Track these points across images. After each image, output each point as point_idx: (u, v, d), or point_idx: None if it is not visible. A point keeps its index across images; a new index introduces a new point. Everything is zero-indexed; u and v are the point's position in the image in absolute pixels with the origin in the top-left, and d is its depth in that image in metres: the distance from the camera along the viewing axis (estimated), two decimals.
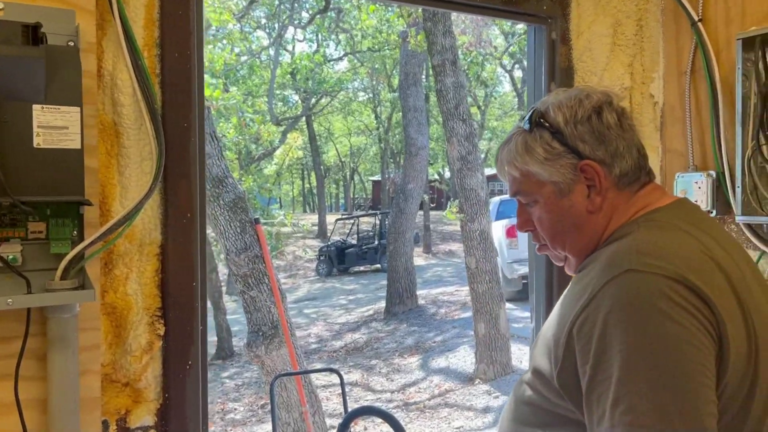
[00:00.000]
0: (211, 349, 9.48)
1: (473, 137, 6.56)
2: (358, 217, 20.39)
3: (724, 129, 1.53)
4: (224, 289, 12.16)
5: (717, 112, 1.55)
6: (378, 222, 18.34)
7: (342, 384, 3.18)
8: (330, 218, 23.60)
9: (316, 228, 23.82)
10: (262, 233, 4.25)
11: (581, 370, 0.82)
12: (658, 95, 1.75)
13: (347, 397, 3.26)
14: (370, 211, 23.59)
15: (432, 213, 22.19)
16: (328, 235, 21.06)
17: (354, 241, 18.27)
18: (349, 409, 2.81)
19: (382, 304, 11.78)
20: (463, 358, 8.12)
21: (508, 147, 1.05)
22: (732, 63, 1.48)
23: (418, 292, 12.13)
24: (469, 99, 15.63)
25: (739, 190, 1.43)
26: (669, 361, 0.76)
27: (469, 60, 16.97)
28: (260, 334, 4.19)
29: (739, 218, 1.43)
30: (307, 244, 21.51)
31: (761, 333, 0.83)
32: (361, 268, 17.90)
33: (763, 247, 1.41)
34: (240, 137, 10.56)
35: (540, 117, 0.99)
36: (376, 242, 17.47)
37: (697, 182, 1.57)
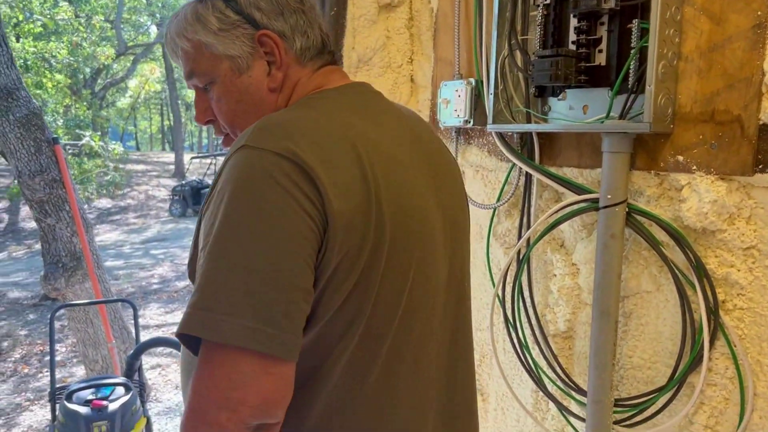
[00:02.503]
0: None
1: None
2: (215, 155, 19.55)
3: (486, 35, 1.46)
4: None
5: (481, 18, 1.47)
6: None
7: (135, 315, 2.96)
8: (188, 157, 22.42)
9: (172, 167, 22.56)
10: (61, 155, 3.79)
11: None
12: (434, 1, 1.66)
13: (139, 330, 3.05)
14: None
15: None
16: (185, 174, 20.08)
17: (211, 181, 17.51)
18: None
19: None
20: None
21: (177, 19, 0.93)
22: None
23: None
24: None
25: (491, 98, 1.37)
26: (257, 235, 0.74)
27: None
28: (60, 266, 3.80)
29: (490, 127, 1.37)
30: (162, 183, 20.36)
31: (396, 220, 0.83)
32: None
33: (513, 159, 1.38)
34: (72, 59, 9.50)
35: None
36: None
37: (457, 90, 1.50)
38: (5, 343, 6.92)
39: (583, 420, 1.22)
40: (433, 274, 0.90)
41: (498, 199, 1.46)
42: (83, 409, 2.26)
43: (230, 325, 0.72)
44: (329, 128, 0.83)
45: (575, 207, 1.20)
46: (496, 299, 1.43)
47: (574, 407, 1.26)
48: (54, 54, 9.38)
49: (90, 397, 2.34)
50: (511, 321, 1.39)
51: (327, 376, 0.83)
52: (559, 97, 1.24)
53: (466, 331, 1.00)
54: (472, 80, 1.47)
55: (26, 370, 6.16)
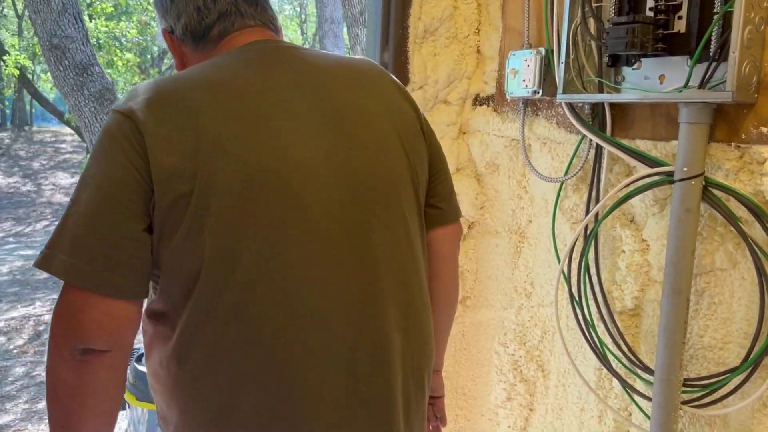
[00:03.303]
0: None
1: None
2: None
3: (557, 3, 1.42)
4: None
5: None
6: None
7: None
8: None
9: None
10: None
11: None
12: None
13: None
14: None
15: None
16: None
17: None
18: None
19: None
20: None
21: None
22: None
23: None
24: None
25: (562, 67, 1.33)
26: (91, 185, 0.87)
27: None
28: None
29: (560, 97, 1.34)
30: None
31: (235, 170, 0.88)
32: None
33: (583, 130, 1.34)
34: (141, 38, 9.81)
35: None
36: None
37: (526, 60, 1.47)
38: None
39: (648, 399, 1.19)
40: (299, 225, 0.92)
41: (566, 173, 1.43)
42: None
43: (59, 261, 0.85)
44: (175, 88, 0.92)
45: (648, 180, 1.16)
46: (561, 275, 1.41)
47: (639, 385, 1.24)
48: (124, 33, 9.70)
49: None
50: (576, 298, 1.36)
51: (179, 316, 0.91)
52: (634, 66, 1.19)
53: (387, 295, 0.99)
54: (542, 49, 1.43)
55: None
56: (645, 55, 1.12)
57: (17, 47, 9.07)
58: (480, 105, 1.68)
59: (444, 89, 1.67)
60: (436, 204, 1.12)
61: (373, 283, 0.98)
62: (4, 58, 8.97)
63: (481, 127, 1.66)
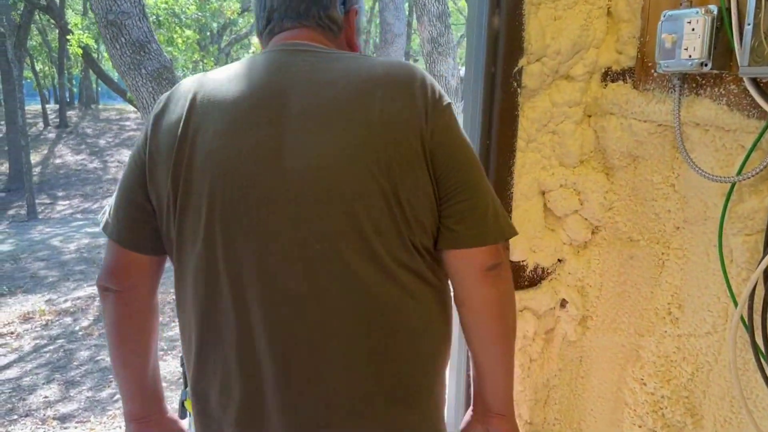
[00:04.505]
0: None
1: (446, 17, 5.92)
2: None
3: None
4: None
5: None
6: None
7: None
8: None
9: None
10: None
11: None
12: None
13: None
14: None
15: None
16: None
17: None
18: None
19: None
20: None
21: None
22: None
23: None
24: None
25: (748, 29, 0.99)
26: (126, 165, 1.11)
27: None
28: None
29: (743, 70, 0.99)
30: None
31: (199, 163, 0.98)
32: None
33: None
34: (200, 14, 9.67)
35: None
36: None
37: (690, 22, 1.12)
38: None
39: None
40: (244, 222, 0.97)
41: (740, 171, 1.09)
42: None
43: (105, 218, 1.10)
44: (192, 81, 1.06)
45: None
46: (731, 303, 1.07)
47: None
48: (183, 9, 9.59)
49: None
50: (762, 348, 1.03)
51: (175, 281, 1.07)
52: None
53: (326, 297, 0.97)
54: (712, 7, 1.08)
55: (160, 319, 6.44)
56: None
57: (80, 26, 9.09)
58: (612, 81, 1.34)
59: (566, 61, 1.34)
60: (450, 225, 1.01)
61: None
62: (68, 37, 9.01)
63: (615, 108, 1.32)
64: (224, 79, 1.04)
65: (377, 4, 10.78)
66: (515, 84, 1.34)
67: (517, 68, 1.33)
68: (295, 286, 0.96)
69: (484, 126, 1.36)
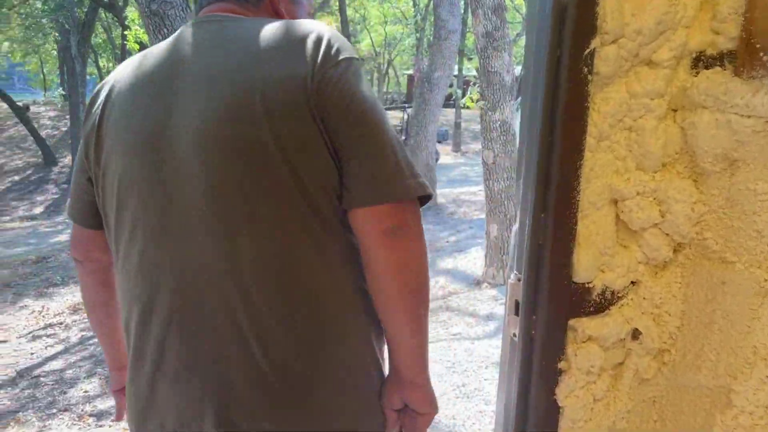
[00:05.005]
0: None
1: (502, 10, 5.64)
2: (404, 107, 19.49)
3: None
4: None
5: None
6: (406, 117, 17.54)
7: None
8: None
9: None
10: None
11: None
12: None
13: None
14: (394, 104, 22.68)
15: (464, 111, 21.16)
16: None
17: None
18: None
19: None
20: (474, 260, 7.62)
21: None
22: None
23: (440, 191, 11.56)
24: None
25: None
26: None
27: None
28: None
29: None
30: None
31: (107, 135, 1.10)
32: None
33: None
34: None
35: None
36: (402, 138, 16.72)
37: None
38: None
39: None
40: (137, 190, 1.06)
41: None
42: None
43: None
44: (122, 64, 1.18)
45: None
46: None
47: None
48: None
49: None
50: None
51: None
52: None
53: (201, 261, 1.03)
54: None
55: None
56: None
57: (137, 22, 9.22)
58: (706, 67, 1.11)
59: (649, 43, 1.11)
60: (346, 184, 1.02)
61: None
62: (125, 32, 9.15)
63: (709, 101, 1.08)
64: (139, 57, 1.13)
65: (431, 0, 10.56)
66: (585, 70, 1.12)
67: (588, 51, 1.11)
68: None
69: (545, 120, 1.14)
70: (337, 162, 1.00)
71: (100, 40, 24.37)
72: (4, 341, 5.60)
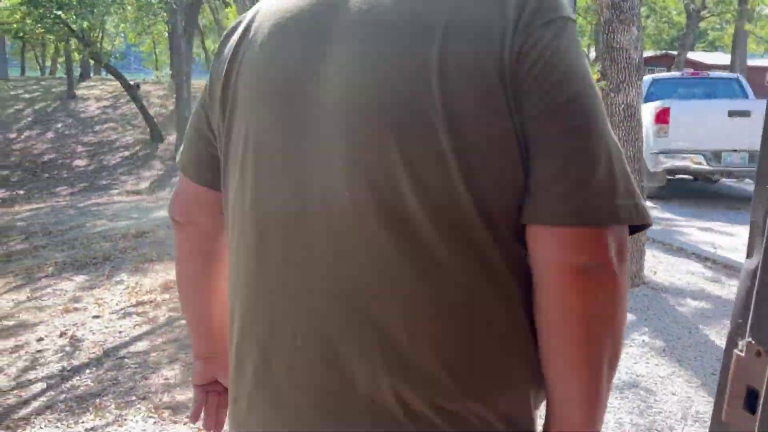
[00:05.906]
0: None
1: None
2: None
3: None
4: None
5: None
6: None
7: None
8: None
9: None
10: None
11: None
12: None
13: None
14: None
15: None
16: None
17: None
18: None
19: None
20: None
21: None
22: None
23: None
24: None
25: None
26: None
27: None
28: None
29: None
30: None
31: (244, 80, 0.88)
32: None
33: None
34: None
35: None
36: None
37: None
38: None
39: None
40: (275, 155, 0.85)
41: None
42: None
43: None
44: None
45: None
46: None
47: None
48: None
49: None
50: None
51: None
52: None
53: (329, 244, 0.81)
54: None
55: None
56: None
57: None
58: None
59: None
60: (531, 189, 0.74)
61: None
62: (227, 10, 9.10)
63: None
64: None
65: None
66: None
67: None
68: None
69: None
70: (523, 154, 0.74)
71: (207, 22, 25.12)
72: (98, 316, 5.62)
